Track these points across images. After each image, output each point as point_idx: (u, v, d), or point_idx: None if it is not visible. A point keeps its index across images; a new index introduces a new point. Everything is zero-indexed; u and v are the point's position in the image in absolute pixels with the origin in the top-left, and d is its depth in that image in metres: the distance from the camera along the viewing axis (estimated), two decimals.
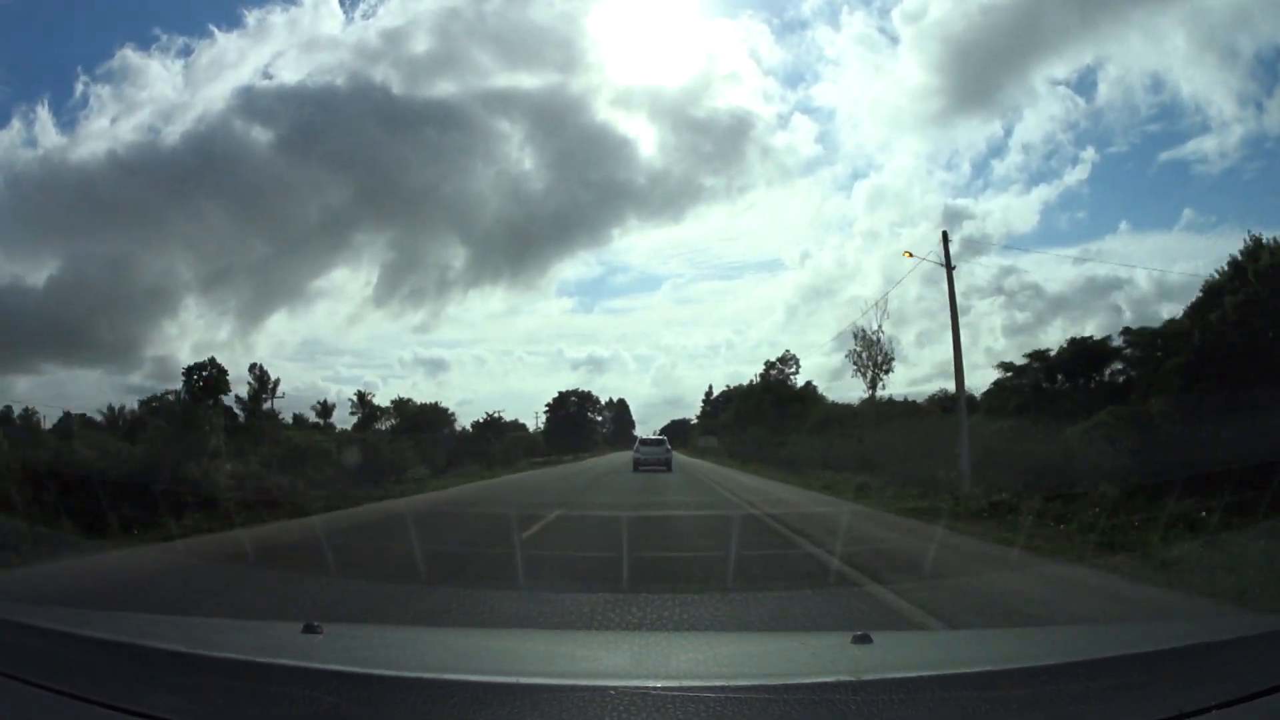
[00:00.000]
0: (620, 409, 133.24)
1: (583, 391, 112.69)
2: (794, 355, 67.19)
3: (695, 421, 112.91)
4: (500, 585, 8.09)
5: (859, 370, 44.27)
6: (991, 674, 2.06)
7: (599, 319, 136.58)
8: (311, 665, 2.13)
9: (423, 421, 64.06)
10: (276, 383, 68.46)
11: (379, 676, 2.04)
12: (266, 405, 58.51)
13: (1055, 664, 2.15)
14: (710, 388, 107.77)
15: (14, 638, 2.41)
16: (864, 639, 2.55)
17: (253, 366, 67.41)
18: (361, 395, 69.38)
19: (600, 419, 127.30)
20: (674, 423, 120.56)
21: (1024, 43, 74.17)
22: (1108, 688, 1.98)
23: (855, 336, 44.62)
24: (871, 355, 43.58)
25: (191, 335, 76.64)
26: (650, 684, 1.92)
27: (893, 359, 44.13)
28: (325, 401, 69.03)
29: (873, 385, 43.85)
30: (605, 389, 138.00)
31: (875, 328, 43.76)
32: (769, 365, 67.59)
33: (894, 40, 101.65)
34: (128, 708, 1.89)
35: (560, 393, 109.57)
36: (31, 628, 2.56)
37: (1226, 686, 1.90)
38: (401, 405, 69.84)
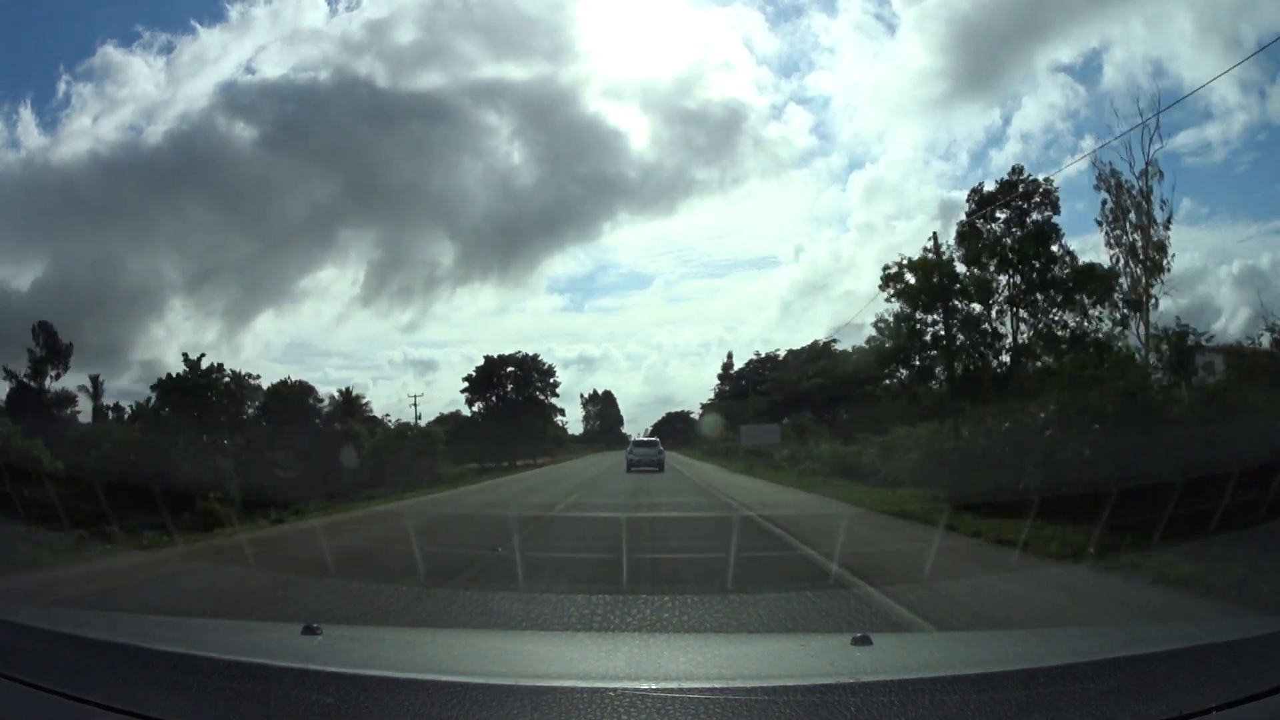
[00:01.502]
0: (606, 402, 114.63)
1: (525, 357, 73.78)
2: (1035, 179, 25.54)
3: (699, 414, 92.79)
4: None
5: (1119, 255, 20.76)
6: (991, 676, 2.06)
7: (589, 317, 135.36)
8: (311, 667, 2.14)
9: (217, 404, 35.67)
10: (68, 349, 46.09)
11: (378, 678, 2.05)
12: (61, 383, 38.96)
13: (1055, 666, 2.15)
14: (730, 356, 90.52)
15: (13, 639, 2.41)
16: (864, 641, 2.55)
17: (39, 327, 45.76)
18: (190, 362, 36.36)
19: (584, 412, 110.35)
20: (669, 416, 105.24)
21: (1027, 25, 72.83)
22: (1108, 689, 1.98)
23: (1100, 186, 21.17)
24: (1141, 232, 20.36)
25: (179, 337, 75.96)
26: (649, 686, 1.92)
27: (1168, 245, 20.55)
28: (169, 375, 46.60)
29: (1145, 295, 20.23)
30: (596, 387, 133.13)
31: (1139, 170, 20.23)
32: (994, 193, 24.56)
33: (892, 25, 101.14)
34: (128, 709, 1.89)
35: (487, 358, 72.81)
36: (32, 629, 2.56)
37: (1226, 688, 1.90)
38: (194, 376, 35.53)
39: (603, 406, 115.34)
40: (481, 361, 72.98)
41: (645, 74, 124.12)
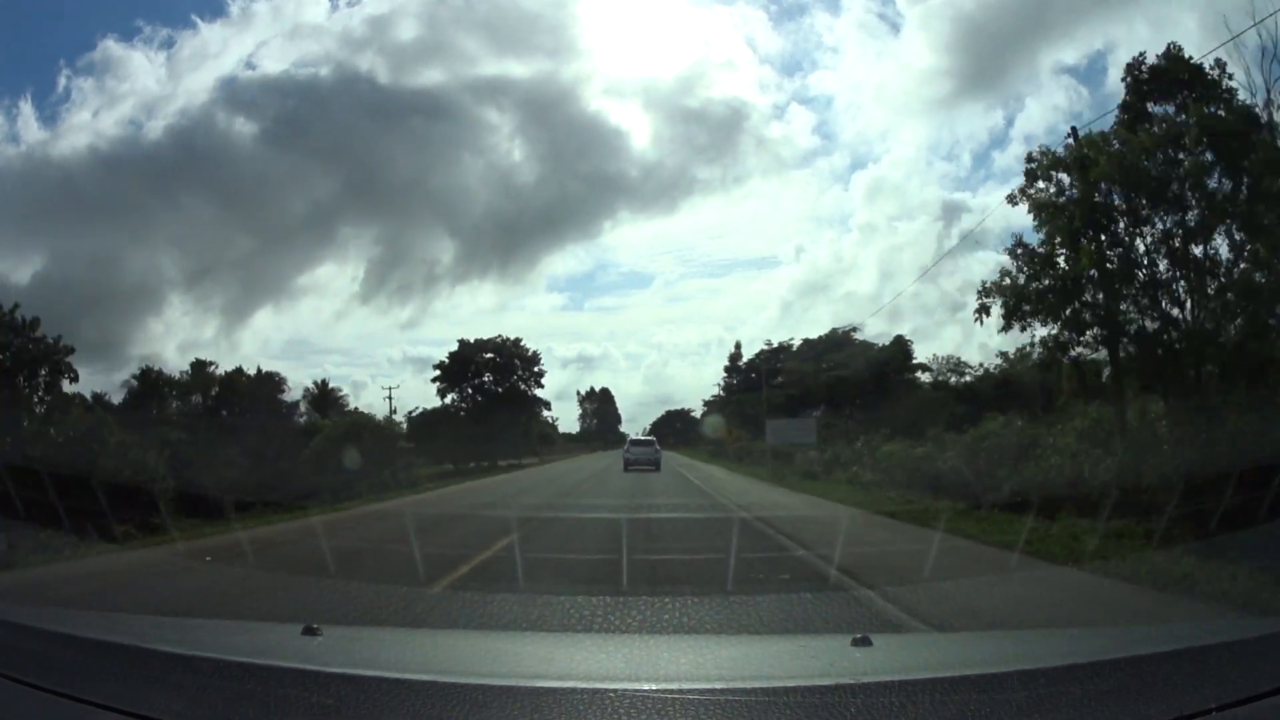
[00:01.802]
0: (603, 400, 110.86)
1: (505, 342, 62.24)
2: (1198, 64, 15.04)
3: (702, 412, 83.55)
4: None
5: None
6: (991, 676, 2.06)
7: (589, 316, 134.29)
8: (311, 667, 2.14)
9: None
10: None
11: (378, 679, 2.04)
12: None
13: (1055, 666, 2.15)
14: (738, 346, 77.70)
15: (13, 639, 2.41)
16: (864, 641, 2.55)
17: None
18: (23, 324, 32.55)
19: (581, 410, 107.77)
20: (669, 415, 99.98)
21: (1031, 25, 71.82)
22: (1108, 690, 1.98)
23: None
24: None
25: (177, 333, 75.46)
26: (649, 687, 1.92)
27: None
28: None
29: None
30: (595, 385, 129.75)
31: (1262, 101, 13.42)
32: (1164, 68, 14.91)
33: (896, 24, 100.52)
34: (128, 709, 1.89)
35: (462, 343, 61.59)
36: (32, 629, 2.56)
37: (1226, 689, 1.90)
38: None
39: (600, 404, 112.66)
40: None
41: (647, 72, 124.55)
